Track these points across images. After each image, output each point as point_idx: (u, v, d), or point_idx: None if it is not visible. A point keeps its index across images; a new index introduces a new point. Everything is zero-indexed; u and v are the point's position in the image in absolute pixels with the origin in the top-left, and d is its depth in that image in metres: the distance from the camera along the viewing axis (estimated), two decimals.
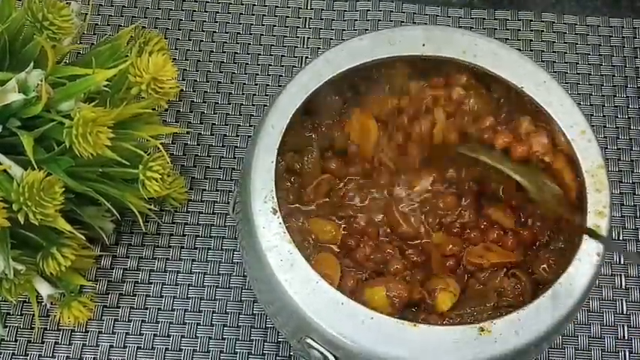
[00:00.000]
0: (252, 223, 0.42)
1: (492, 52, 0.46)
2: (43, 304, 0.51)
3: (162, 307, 0.54)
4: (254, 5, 0.65)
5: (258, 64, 0.62)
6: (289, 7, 0.65)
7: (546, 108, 0.45)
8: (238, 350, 0.53)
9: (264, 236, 0.42)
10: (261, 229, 0.42)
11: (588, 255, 0.41)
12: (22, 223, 0.43)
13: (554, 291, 0.40)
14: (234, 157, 0.59)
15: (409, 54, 0.46)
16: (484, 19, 0.64)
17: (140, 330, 0.54)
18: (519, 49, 0.59)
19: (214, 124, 0.60)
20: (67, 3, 0.48)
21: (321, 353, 0.41)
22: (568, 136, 0.44)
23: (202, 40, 0.63)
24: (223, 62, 0.62)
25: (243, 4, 0.65)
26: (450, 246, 0.48)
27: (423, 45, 0.46)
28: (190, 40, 0.63)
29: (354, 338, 0.39)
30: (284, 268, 0.41)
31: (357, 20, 0.64)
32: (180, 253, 0.56)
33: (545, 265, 0.45)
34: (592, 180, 0.43)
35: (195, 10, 0.64)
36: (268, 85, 0.62)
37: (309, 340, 0.41)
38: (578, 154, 0.44)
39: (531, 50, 0.63)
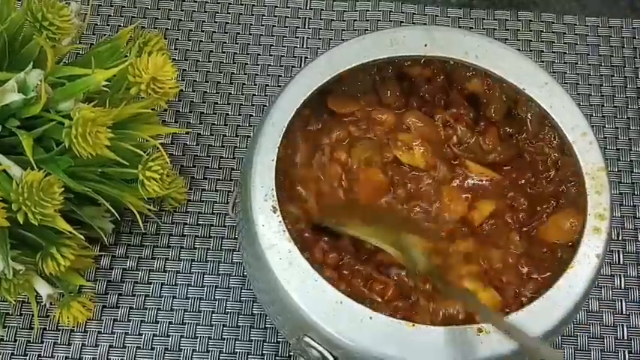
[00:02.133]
0: (251, 221, 0.42)
1: (494, 53, 0.46)
2: (42, 304, 0.51)
3: (161, 307, 0.54)
4: (253, 5, 0.65)
5: (258, 64, 0.62)
6: (289, 7, 0.65)
7: (547, 110, 0.45)
8: (238, 350, 0.53)
9: (263, 234, 0.42)
10: (260, 227, 0.42)
11: (587, 257, 0.41)
12: (21, 223, 0.43)
13: (553, 292, 0.40)
14: (234, 157, 0.59)
15: (411, 54, 0.46)
16: (483, 19, 0.64)
17: (139, 330, 0.54)
18: (519, 50, 0.60)
19: (214, 124, 0.60)
20: (66, 3, 0.48)
21: (320, 352, 0.41)
22: (569, 138, 0.44)
23: (202, 40, 0.63)
24: (223, 62, 0.62)
25: (242, 4, 0.65)
26: None
27: (425, 45, 0.46)
28: (190, 40, 0.63)
29: (353, 337, 0.39)
30: (283, 266, 0.41)
31: (356, 20, 0.64)
32: (179, 253, 0.56)
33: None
34: (592, 182, 0.43)
35: (194, 10, 0.64)
36: (268, 85, 0.62)
37: (307, 339, 0.41)
38: (578, 156, 0.44)
39: (531, 50, 0.63)
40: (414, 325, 0.39)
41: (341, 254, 0.47)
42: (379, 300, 0.45)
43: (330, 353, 0.41)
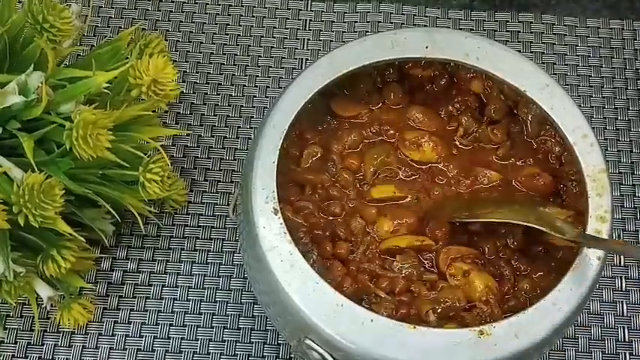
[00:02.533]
0: (252, 223, 0.42)
1: (495, 55, 0.46)
2: (42, 306, 0.51)
3: (162, 309, 0.54)
4: (254, 7, 0.65)
5: (258, 66, 0.62)
6: (289, 9, 0.65)
7: (548, 111, 0.45)
8: (238, 352, 0.53)
9: (264, 236, 0.42)
10: (261, 230, 0.42)
11: (589, 259, 0.41)
12: (22, 225, 0.43)
13: (554, 295, 0.40)
14: (235, 159, 0.59)
15: (412, 56, 0.46)
16: (484, 20, 0.64)
17: (140, 332, 0.54)
18: (519, 51, 0.60)
19: (214, 125, 0.60)
20: (67, 5, 0.48)
21: (320, 354, 0.41)
22: (570, 139, 0.44)
23: (202, 42, 0.63)
24: (223, 64, 0.62)
25: (243, 6, 0.65)
26: None
27: (427, 47, 0.46)
28: (190, 41, 0.63)
29: (353, 340, 0.39)
30: (284, 268, 0.41)
31: (357, 22, 0.64)
32: (180, 255, 0.56)
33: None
34: (593, 184, 0.43)
35: (195, 12, 0.64)
36: (268, 86, 0.62)
37: (308, 341, 0.41)
38: (580, 158, 0.44)
39: (531, 52, 0.63)
40: (414, 327, 0.39)
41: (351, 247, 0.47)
42: (383, 295, 0.45)
43: (331, 355, 0.41)
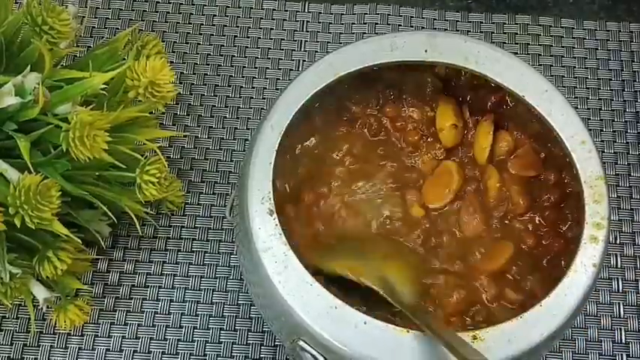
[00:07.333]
0: (248, 223, 0.42)
1: (494, 60, 0.46)
2: (39, 307, 0.51)
3: (158, 311, 0.54)
4: (251, 8, 0.65)
5: (256, 67, 0.62)
6: (287, 11, 0.65)
7: (547, 117, 0.45)
8: (235, 354, 0.53)
9: (259, 237, 0.42)
10: (256, 230, 0.42)
11: (584, 266, 0.41)
12: (18, 226, 0.43)
13: (549, 301, 0.40)
14: (232, 160, 0.59)
15: (411, 59, 0.46)
16: (481, 22, 0.64)
17: (136, 333, 0.54)
18: (516, 53, 0.60)
19: (211, 127, 0.60)
20: (64, 6, 0.48)
21: (314, 356, 0.41)
22: (568, 146, 0.44)
23: (199, 43, 0.63)
24: (220, 65, 0.62)
25: (240, 7, 0.65)
26: None
27: (426, 51, 0.46)
28: (187, 43, 0.63)
29: (346, 342, 0.39)
30: (278, 269, 0.41)
31: (354, 24, 0.64)
32: (176, 257, 0.56)
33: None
34: (591, 191, 0.43)
35: (192, 13, 0.64)
36: (265, 88, 0.62)
37: (301, 343, 0.41)
38: (577, 164, 0.43)
39: (528, 54, 0.63)
40: (408, 331, 0.39)
41: None
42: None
43: (325, 357, 0.40)
